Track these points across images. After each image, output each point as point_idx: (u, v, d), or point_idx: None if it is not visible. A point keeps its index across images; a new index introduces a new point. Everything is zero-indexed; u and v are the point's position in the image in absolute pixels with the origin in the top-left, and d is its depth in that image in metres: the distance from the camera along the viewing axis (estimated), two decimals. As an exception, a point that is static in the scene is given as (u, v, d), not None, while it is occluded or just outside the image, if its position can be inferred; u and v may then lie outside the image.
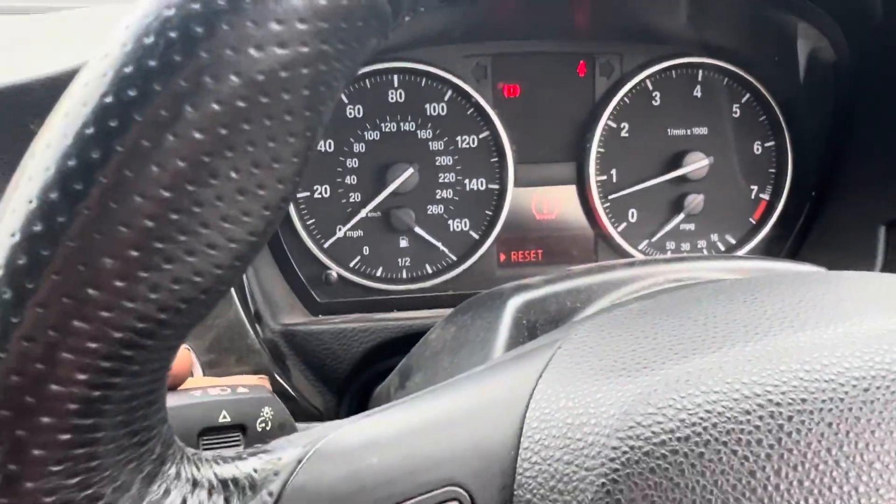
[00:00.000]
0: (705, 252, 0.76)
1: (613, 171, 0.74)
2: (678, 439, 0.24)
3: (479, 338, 0.47)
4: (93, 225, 0.21)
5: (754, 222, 0.76)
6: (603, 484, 0.24)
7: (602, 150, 0.73)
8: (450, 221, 0.72)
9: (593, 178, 0.73)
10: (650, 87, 0.73)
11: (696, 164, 0.73)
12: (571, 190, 0.74)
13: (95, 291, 0.21)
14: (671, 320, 0.30)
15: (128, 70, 0.22)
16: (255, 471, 0.26)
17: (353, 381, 0.62)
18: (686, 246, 0.76)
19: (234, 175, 0.23)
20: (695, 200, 0.74)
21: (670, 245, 0.76)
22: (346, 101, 0.68)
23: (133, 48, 0.22)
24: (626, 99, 0.72)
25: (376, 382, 0.60)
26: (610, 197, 0.74)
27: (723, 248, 0.76)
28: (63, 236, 0.21)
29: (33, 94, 0.51)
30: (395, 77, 0.69)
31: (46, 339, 0.21)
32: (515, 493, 0.26)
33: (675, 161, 0.73)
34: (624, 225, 0.74)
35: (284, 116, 0.23)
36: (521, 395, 0.29)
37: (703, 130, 0.74)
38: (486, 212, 0.72)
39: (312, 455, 0.27)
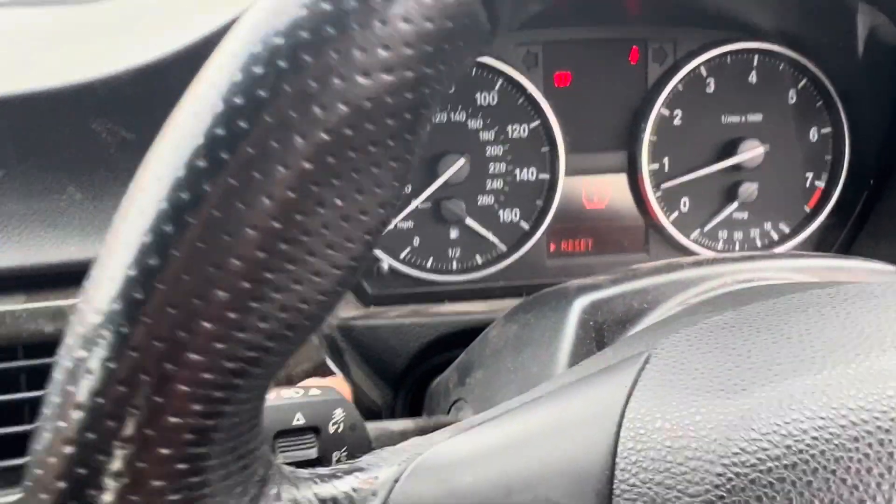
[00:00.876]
0: (758, 242, 0.75)
1: (666, 160, 0.73)
2: (785, 466, 0.24)
3: (545, 337, 0.47)
4: (207, 257, 0.21)
5: (809, 210, 0.75)
6: (708, 511, 0.24)
7: (654, 138, 0.72)
8: (500, 212, 0.71)
9: (645, 167, 0.72)
10: (704, 74, 0.72)
11: (752, 152, 0.71)
12: (622, 179, 0.73)
13: (209, 324, 0.21)
14: (762, 337, 0.30)
15: (238, 101, 0.21)
16: (354, 490, 0.27)
17: (409, 375, 0.63)
18: (739, 235, 0.75)
19: (339, 203, 0.23)
20: (749, 189, 0.72)
21: (723, 234, 0.75)
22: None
23: (243, 78, 0.22)
24: (679, 86, 0.71)
25: (431, 376, 0.61)
26: (662, 186, 0.73)
27: (776, 237, 0.75)
28: (177, 269, 0.21)
29: (95, 94, 0.52)
30: (446, 66, 0.68)
31: (162, 372, 0.21)
32: (613, 514, 0.26)
33: (730, 149, 0.72)
34: (676, 214, 0.74)
35: (388, 141, 0.23)
36: (611, 413, 0.28)
37: (758, 117, 0.73)
38: (537, 202, 0.72)
39: (408, 474, 0.27)
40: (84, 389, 0.21)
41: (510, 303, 0.69)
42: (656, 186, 0.73)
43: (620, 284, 0.46)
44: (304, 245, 0.22)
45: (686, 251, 0.73)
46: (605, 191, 0.73)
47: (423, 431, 0.48)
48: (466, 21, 0.23)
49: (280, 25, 0.22)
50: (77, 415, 0.21)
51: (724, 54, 0.71)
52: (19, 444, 0.54)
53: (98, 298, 0.22)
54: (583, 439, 0.28)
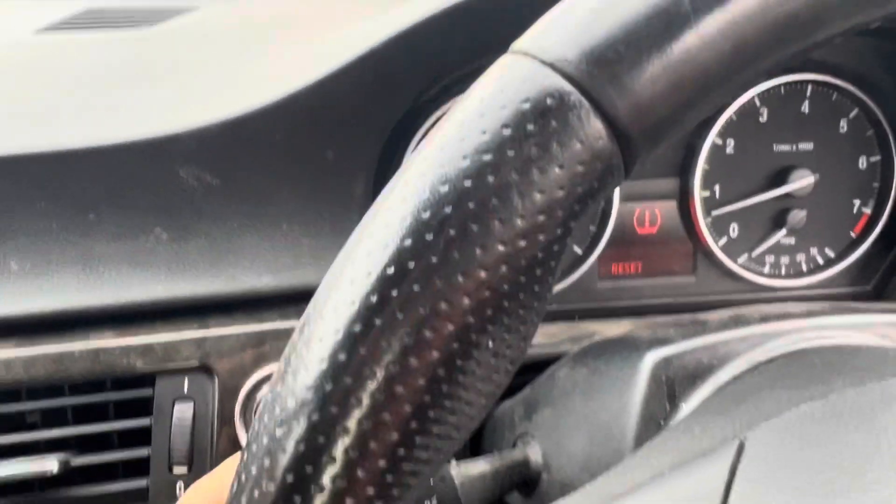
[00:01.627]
0: (804, 266, 0.77)
1: (717, 187, 0.74)
2: (887, 579, 0.26)
3: (615, 387, 0.49)
4: (382, 407, 0.24)
5: (854, 236, 0.77)
6: None
7: (707, 166, 0.73)
8: (554, 237, 0.73)
9: (697, 195, 0.73)
10: (757, 104, 0.73)
11: (802, 181, 0.73)
12: (672, 205, 0.75)
13: (382, 460, 0.24)
14: (855, 437, 0.32)
15: (410, 264, 0.24)
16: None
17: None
18: (785, 260, 0.77)
19: (490, 344, 0.25)
20: (798, 216, 0.74)
21: (769, 259, 0.76)
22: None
23: (412, 244, 0.24)
24: (733, 116, 0.72)
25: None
26: (712, 213, 0.75)
27: (821, 262, 0.77)
28: (355, 420, 0.24)
29: (181, 144, 0.54)
30: (505, 96, 0.70)
31: (342, 505, 0.24)
32: None
33: (780, 177, 0.74)
34: (724, 240, 0.75)
35: (534, 287, 0.25)
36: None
37: (809, 146, 0.74)
38: (591, 227, 0.74)
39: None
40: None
41: (563, 327, 0.72)
42: (707, 213, 0.74)
43: (690, 339, 0.49)
44: (461, 384, 0.25)
45: (733, 276, 0.75)
46: (656, 216, 0.75)
47: (499, 472, 0.51)
48: (609, 178, 0.25)
49: (449, 196, 0.24)
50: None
51: (778, 85, 0.72)
52: (107, 472, 0.57)
53: (289, 441, 0.24)
54: (688, 532, 0.30)
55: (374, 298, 0.24)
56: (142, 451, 0.57)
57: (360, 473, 0.24)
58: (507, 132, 0.24)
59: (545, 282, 0.26)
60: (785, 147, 0.74)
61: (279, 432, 0.24)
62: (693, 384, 0.47)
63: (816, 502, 0.29)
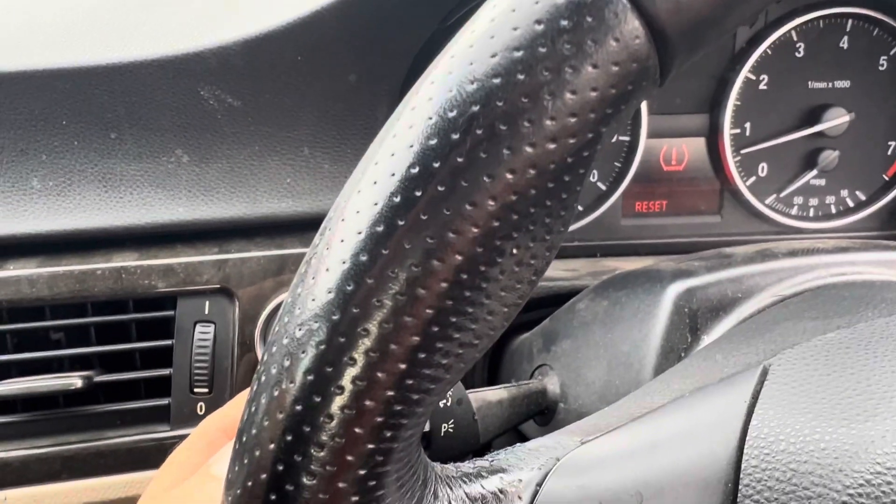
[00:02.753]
0: (833, 209, 0.75)
1: (748, 125, 0.72)
2: (908, 501, 0.26)
3: (637, 318, 0.49)
4: (403, 309, 0.23)
5: (887, 179, 0.75)
6: (834, 538, 0.26)
7: (738, 102, 0.71)
8: (578, 172, 0.72)
9: (727, 132, 0.72)
10: (794, 38, 0.70)
11: (836, 120, 0.71)
12: (701, 142, 0.73)
13: (403, 364, 0.24)
14: (880, 363, 0.31)
15: (435, 164, 0.23)
16: (502, 492, 0.29)
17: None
18: (814, 201, 0.75)
19: (515, 251, 0.25)
20: (830, 156, 0.72)
21: (798, 200, 0.75)
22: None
23: (438, 143, 0.23)
24: (768, 50, 0.70)
25: (508, 336, 0.63)
26: (742, 151, 0.73)
27: (851, 205, 0.75)
28: (380, 320, 0.23)
29: (205, 62, 0.53)
30: (533, 25, 0.68)
31: (362, 408, 0.24)
32: (738, 528, 0.29)
33: (814, 115, 0.72)
34: (753, 179, 0.74)
35: (562, 195, 0.25)
36: (733, 427, 0.31)
37: (846, 84, 0.72)
38: (616, 163, 0.72)
39: (550, 480, 0.30)
40: (286, 408, 0.24)
41: (584, 263, 0.71)
42: (736, 151, 0.73)
43: (715, 272, 0.48)
44: (483, 290, 0.24)
45: (760, 216, 0.74)
46: (684, 153, 0.73)
47: (516, 400, 0.51)
48: (644, 82, 0.24)
49: (476, 94, 0.23)
50: (279, 417, 0.24)
51: (817, 18, 0.70)
52: (130, 392, 0.58)
53: (309, 356, 0.24)
54: (707, 452, 0.30)
55: (397, 199, 0.23)
56: (163, 372, 0.57)
57: (379, 375, 0.24)
58: (539, 28, 0.23)
59: (573, 190, 0.25)
60: (820, 84, 0.72)
61: (299, 333, 0.24)
62: (716, 316, 0.47)
63: (841, 426, 0.29)
